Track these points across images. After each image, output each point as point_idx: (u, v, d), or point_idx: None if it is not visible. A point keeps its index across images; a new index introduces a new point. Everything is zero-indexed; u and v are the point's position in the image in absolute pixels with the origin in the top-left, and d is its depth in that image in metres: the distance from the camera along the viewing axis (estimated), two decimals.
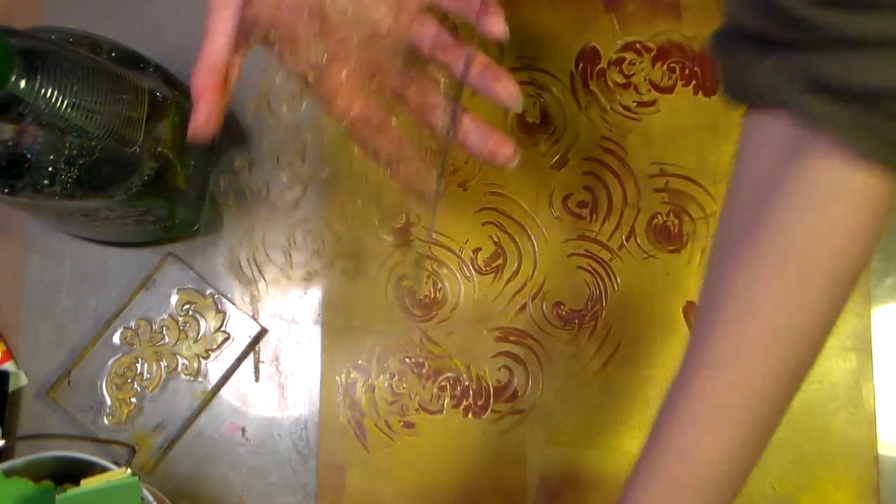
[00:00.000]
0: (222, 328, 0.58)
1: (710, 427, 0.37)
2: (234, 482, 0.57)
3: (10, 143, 0.46)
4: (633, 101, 0.58)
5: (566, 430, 0.55)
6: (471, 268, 0.57)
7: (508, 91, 0.43)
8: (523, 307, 0.57)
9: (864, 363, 0.54)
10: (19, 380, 0.58)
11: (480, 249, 0.57)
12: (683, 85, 0.58)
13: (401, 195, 0.58)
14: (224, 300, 0.58)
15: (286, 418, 0.57)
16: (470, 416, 0.56)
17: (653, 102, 0.58)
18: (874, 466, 0.53)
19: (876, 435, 0.54)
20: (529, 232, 0.57)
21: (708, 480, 0.37)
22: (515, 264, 0.57)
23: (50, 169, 0.46)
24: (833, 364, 0.54)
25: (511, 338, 0.56)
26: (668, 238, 0.57)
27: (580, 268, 0.57)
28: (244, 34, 0.42)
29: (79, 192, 0.47)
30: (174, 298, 0.58)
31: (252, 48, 0.43)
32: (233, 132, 0.60)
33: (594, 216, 0.57)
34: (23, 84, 0.42)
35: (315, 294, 0.58)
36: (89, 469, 0.47)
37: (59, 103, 0.44)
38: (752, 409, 0.36)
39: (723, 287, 0.37)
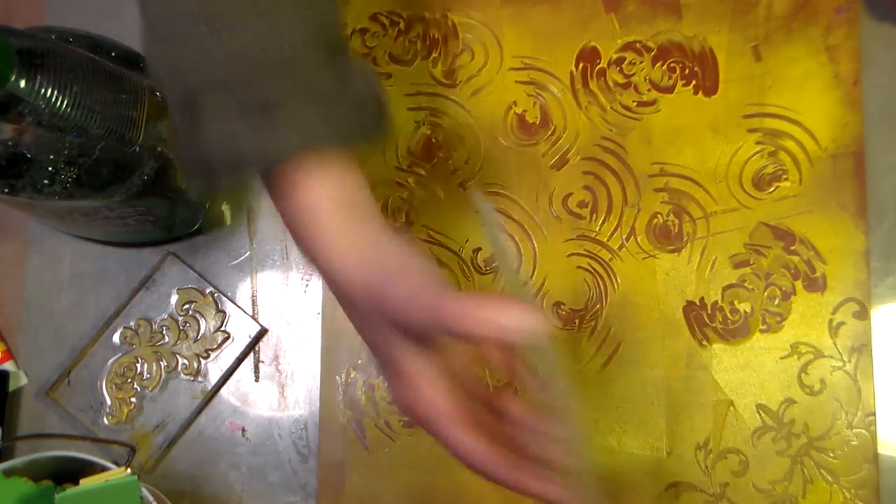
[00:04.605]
0: (222, 328, 0.58)
1: None
2: (234, 482, 0.57)
3: (10, 143, 0.46)
4: (633, 101, 0.58)
5: None
6: (471, 267, 0.57)
7: None
8: None
9: (864, 363, 0.54)
10: (19, 379, 0.58)
11: (480, 249, 0.57)
12: (683, 85, 0.58)
13: (401, 199, 0.58)
14: (224, 299, 0.58)
15: (286, 418, 0.57)
16: None
17: (653, 102, 0.58)
18: (874, 466, 0.53)
19: (876, 435, 0.54)
20: (529, 232, 0.57)
21: None
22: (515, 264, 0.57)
23: (50, 169, 0.46)
24: (833, 364, 0.54)
25: None
26: (668, 238, 0.57)
27: (580, 268, 0.57)
28: None
29: (79, 192, 0.47)
30: (174, 298, 0.58)
31: None
32: None
33: (594, 216, 0.57)
34: (23, 84, 0.42)
35: (315, 294, 0.58)
36: (89, 469, 0.47)
37: (59, 103, 0.44)
38: None
39: None
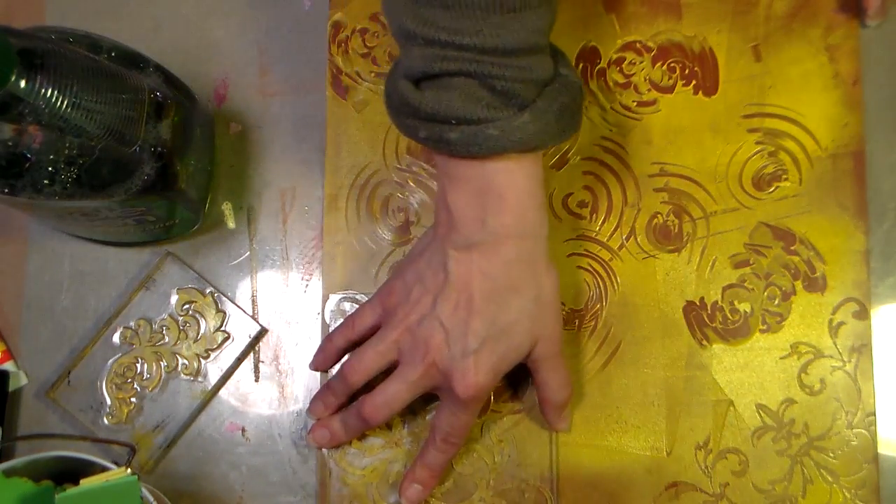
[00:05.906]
0: (222, 328, 0.58)
1: None
2: (234, 482, 0.57)
3: (10, 143, 0.46)
4: (633, 101, 0.58)
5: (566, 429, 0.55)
6: None
7: None
8: None
9: (864, 363, 0.54)
10: (19, 379, 0.58)
11: None
12: (683, 85, 0.58)
13: (401, 199, 0.58)
14: (224, 299, 0.58)
15: (286, 418, 0.57)
16: None
17: (653, 102, 0.58)
18: (874, 466, 0.53)
19: (876, 435, 0.54)
20: None
21: None
22: None
23: (50, 169, 0.46)
24: (833, 364, 0.54)
25: None
26: (668, 238, 0.57)
27: (580, 268, 0.57)
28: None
29: (79, 192, 0.47)
30: (174, 298, 0.58)
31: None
32: (233, 132, 0.60)
33: (594, 216, 0.57)
34: (23, 84, 0.42)
35: (315, 294, 0.58)
36: (89, 469, 0.47)
37: (59, 103, 0.44)
38: None
39: None
